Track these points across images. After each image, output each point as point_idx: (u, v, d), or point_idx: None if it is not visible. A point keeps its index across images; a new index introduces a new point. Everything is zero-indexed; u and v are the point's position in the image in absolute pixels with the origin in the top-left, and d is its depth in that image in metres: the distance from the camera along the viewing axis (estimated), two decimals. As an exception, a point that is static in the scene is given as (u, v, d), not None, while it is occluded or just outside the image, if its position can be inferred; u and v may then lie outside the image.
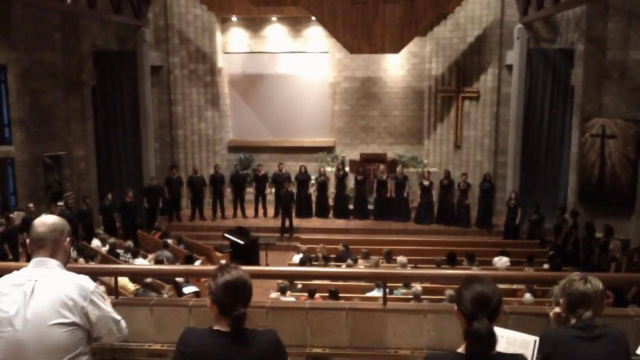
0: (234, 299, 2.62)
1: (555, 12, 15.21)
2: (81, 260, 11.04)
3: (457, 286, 2.75)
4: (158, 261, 11.87)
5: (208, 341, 2.67)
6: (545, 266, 12.27)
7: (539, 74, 16.68)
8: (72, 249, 3.88)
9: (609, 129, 14.47)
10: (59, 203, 14.83)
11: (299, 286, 10.74)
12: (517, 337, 3.03)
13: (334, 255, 13.05)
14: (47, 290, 2.89)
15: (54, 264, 3.00)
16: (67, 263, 3.13)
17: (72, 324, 2.88)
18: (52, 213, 12.61)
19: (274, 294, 9.27)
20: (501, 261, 12.22)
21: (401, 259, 11.42)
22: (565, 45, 16.07)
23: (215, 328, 2.69)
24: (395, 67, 19.87)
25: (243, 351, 2.64)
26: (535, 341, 2.97)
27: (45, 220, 3.08)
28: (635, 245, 13.15)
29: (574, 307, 2.91)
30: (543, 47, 16.69)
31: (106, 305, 3.08)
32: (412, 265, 11.62)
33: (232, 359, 2.63)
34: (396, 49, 17.11)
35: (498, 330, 2.65)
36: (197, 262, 12.30)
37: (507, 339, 2.99)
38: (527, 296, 9.67)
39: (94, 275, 3.86)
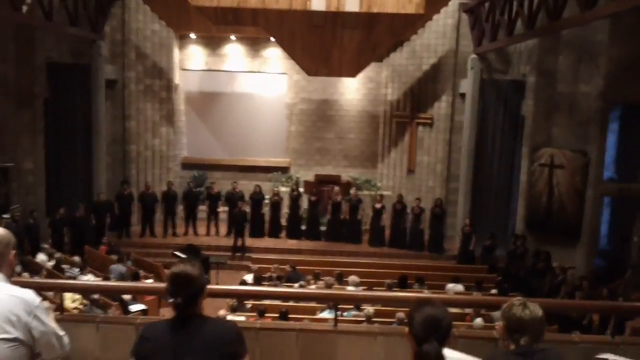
0: (176, 289, 2.80)
1: (508, 44, 15.64)
2: (25, 274, 10.71)
3: (407, 309, 2.77)
4: (106, 277, 11.62)
5: (165, 326, 2.85)
6: (494, 291, 12.45)
7: (491, 104, 17.06)
8: (16, 263, 3.78)
9: (557, 159, 14.85)
10: (5, 215, 14.37)
11: (249, 306, 10.65)
12: None
13: (284, 275, 12.99)
14: (-9, 302, 2.80)
15: (-3, 276, 2.91)
16: (11, 276, 3.05)
17: (15, 339, 2.81)
18: (-5, 225, 12.31)
19: (222, 312, 9.15)
20: (455, 288, 12.33)
21: (353, 278, 11.46)
22: (517, 76, 16.50)
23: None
24: (351, 91, 20.09)
25: (195, 332, 2.79)
26: None
27: (-10, 232, 2.99)
28: (580, 274, 13.47)
29: (511, 332, 2.92)
30: (496, 77, 17.10)
31: (50, 320, 3.00)
32: (364, 287, 11.67)
33: (184, 339, 2.77)
34: (353, 73, 17.31)
35: (447, 352, 2.67)
36: (149, 281, 12.07)
37: None
38: (478, 320, 9.80)
39: (39, 290, 3.75)
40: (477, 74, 16.94)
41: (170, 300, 2.80)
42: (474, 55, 16.99)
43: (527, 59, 15.86)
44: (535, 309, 2.94)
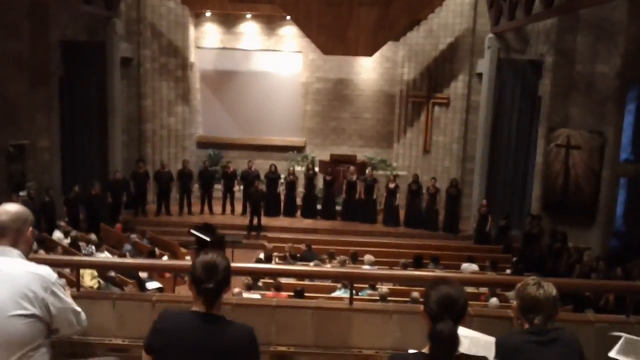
0: (206, 275, 2.72)
1: (526, 24, 15.44)
2: (42, 251, 10.82)
3: (422, 288, 2.77)
4: (122, 255, 11.73)
5: (183, 319, 2.77)
6: (508, 272, 12.43)
7: (508, 83, 16.90)
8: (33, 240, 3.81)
9: (574, 140, 14.72)
10: (21, 193, 14.50)
11: (260, 284, 10.67)
12: (480, 339, 3.06)
13: (299, 255, 13.04)
14: (7, 280, 2.81)
15: (15, 253, 2.93)
16: (28, 253, 3.06)
17: (32, 315, 2.81)
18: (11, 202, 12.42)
19: (237, 289, 9.22)
20: (470, 268, 12.32)
21: (368, 257, 11.47)
22: (534, 56, 16.32)
23: (193, 309, 2.78)
24: (367, 71, 19.95)
25: (215, 333, 2.72)
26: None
27: (8, 209, 3.01)
28: (596, 255, 13.41)
29: (526, 312, 2.93)
30: (513, 57, 16.91)
31: (67, 296, 3.02)
32: (379, 267, 11.68)
33: (204, 339, 2.71)
34: (369, 52, 17.19)
35: (462, 330, 2.67)
36: (164, 258, 12.16)
37: (470, 339, 3.01)
38: (493, 300, 9.79)
39: (56, 266, 3.78)
40: (495, 54, 16.75)
41: (203, 286, 2.73)
42: (491, 35, 16.79)
43: (545, 38, 15.66)
44: (549, 288, 2.94)
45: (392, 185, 17.28)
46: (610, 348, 3.64)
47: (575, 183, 14.80)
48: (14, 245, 2.94)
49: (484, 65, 17.18)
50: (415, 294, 8.94)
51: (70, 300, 3.04)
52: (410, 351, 2.77)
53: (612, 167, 14.24)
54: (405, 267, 11.92)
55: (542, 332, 2.87)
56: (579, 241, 13.77)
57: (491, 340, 3.01)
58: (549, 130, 15.23)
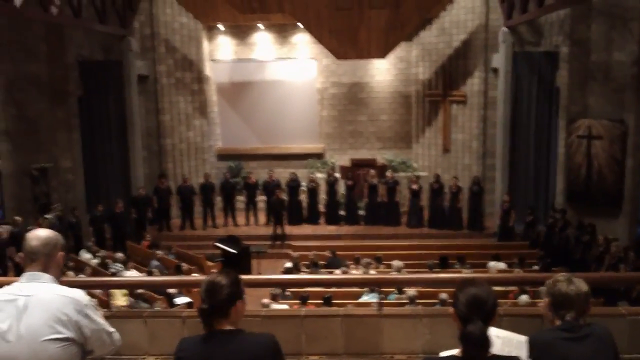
0: (205, 296, 2.76)
1: (539, 15, 15.32)
2: (70, 273, 10.95)
3: (451, 289, 2.77)
4: (149, 272, 11.82)
5: (194, 341, 2.78)
6: (536, 268, 12.32)
7: (525, 77, 16.77)
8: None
9: (595, 130, 14.56)
10: (47, 215, 14.70)
11: (287, 293, 10.68)
12: (512, 338, 3.05)
13: (323, 262, 13.03)
14: (40, 305, 2.85)
15: (46, 278, 2.97)
16: (59, 277, 3.11)
17: (66, 339, 2.85)
18: (39, 225, 12.59)
19: (266, 300, 9.25)
20: (497, 266, 12.21)
21: (396, 263, 11.43)
22: (549, 47, 16.19)
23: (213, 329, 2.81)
24: (382, 72, 19.93)
25: (223, 351, 2.71)
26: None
27: (39, 234, 3.05)
28: (624, 245, 13.24)
29: (557, 308, 2.92)
30: (528, 50, 16.79)
31: (99, 318, 3.06)
32: (406, 270, 11.64)
33: (211, 358, 2.71)
34: (382, 54, 17.18)
35: (494, 331, 2.66)
36: (194, 274, 12.21)
37: (503, 339, 3.00)
38: (523, 297, 9.71)
39: (86, 288, 3.83)
40: (509, 48, 16.63)
41: (198, 307, 2.77)
42: (504, 29, 16.67)
43: (559, 29, 15.53)
44: (580, 284, 2.93)
45: (414, 187, 17.23)
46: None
47: (599, 173, 14.63)
48: (45, 270, 2.99)
49: (499, 59, 17.06)
50: (444, 295, 8.90)
51: (103, 321, 3.07)
52: (443, 354, 2.77)
53: (635, 155, 14.06)
54: (431, 268, 11.90)
55: (575, 328, 2.85)
56: (605, 232, 13.60)
57: (523, 339, 3.00)
58: (569, 122, 15.09)
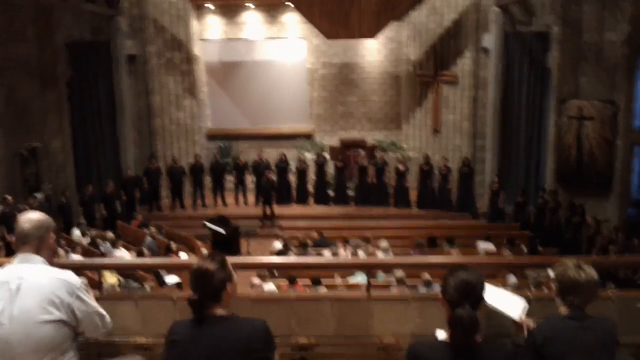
0: (193, 285, 2.76)
1: (530, -5, 15.29)
2: (61, 251, 10.94)
3: (435, 271, 2.81)
4: (140, 251, 11.83)
5: (189, 326, 2.77)
6: (525, 249, 12.39)
7: (516, 57, 16.73)
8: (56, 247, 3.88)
9: (586, 111, 14.59)
10: (37, 195, 14.63)
11: (276, 273, 10.69)
12: (510, 299, 3.14)
13: (312, 242, 13.04)
14: (33, 287, 2.89)
15: (38, 260, 3.01)
16: (52, 259, 3.13)
17: (59, 320, 2.89)
18: (29, 205, 12.56)
19: (257, 280, 9.29)
20: (486, 246, 12.27)
21: (383, 243, 11.48)
22: (541, 28, 16.12)
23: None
24: (372, 53, 19.86)
25: (215, 335, 2.71)
26: (525, 307, 3.13)
27: (31, 217, 3.09)
28: (614, 224, 13.36)
29: (565, 294, 2.94)
30: (519, 30, 16.73)
31: (91, 300, 3.09)
32: (393, 250, 11.70)
33: (200, 343, 2.71)
34: (373, 34, 17.11)
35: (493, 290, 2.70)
36: (183, 255, 12.23)
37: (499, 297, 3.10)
38: (512, 279, 9.77)
39: (78, 269, 3.84)
40: (500, 28, 16.60)
41: (188, 298, 2.75)
42: (495, 8, 16.63)
43: (550, 9, 15.48)
44: (590, 271, 2.94)
45: (401, 167, 17.25)
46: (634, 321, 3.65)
47: (590, 154, 14.68)
48: (37, 252, 3.03)
49: (490, 40, 17.02)
50: (427, 276, 9.02)
51: (94, 303, 3.11)
52: (439, 332, 2.81)
53: (626, 136, 14.12)
54: (418, 246, 11.93)
55: (581, 317, 2.89)
56: (596, 212, 13.71)
57: (520, 300, 3.09)
58: (560, 102, 15.09)
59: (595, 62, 14.52)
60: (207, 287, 2.74)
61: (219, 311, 2.76)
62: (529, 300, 3.30)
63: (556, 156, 15.40)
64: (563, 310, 2.95)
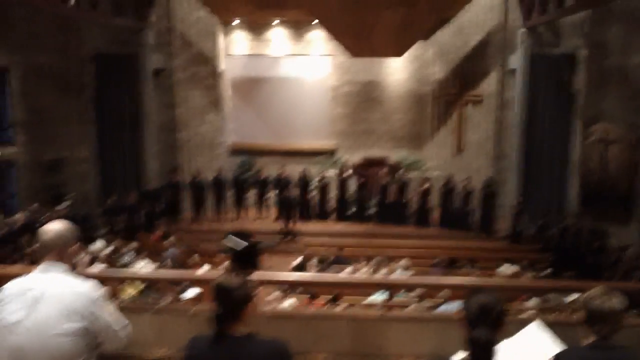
0: (216, 300, 2.75)
1: (558, 17, 15.20)
2: (84, 262, 10.99)
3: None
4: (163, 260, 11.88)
5: (207, 343, 2.75)
6: (548, 271, 12.21)
7: (542, 79, 16.63)
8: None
9: (610, 134, 14.44)
10: (61, 204, 14.80)
11: (299, 290, 10.66)
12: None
13: (332, 258, 12.98)
14: (52, 298, 2.90)
15: (60, 269, 3.02)
16: (74, 267, 3.14)
17: (78, 331, 2.89)
18: (53, 214, 12.70)
19: (277, 293, 9.28)
20: (509, 269, 12.09)
21: (403, 262, 11.39)
22: (568, 49, 16.04)
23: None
24: (397, 71, 19.85)
25: (234, 355, 2.70)
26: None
27: (53, 226, 3.11)
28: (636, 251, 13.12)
29: (592, 323, 2.90)
30: (546, 51, 16.65)
31: (110, 312, 3.08)
32: (414, 270, 11.60)
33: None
34: (398, 53, 17.09)
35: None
36: (204, 267, 12.23)
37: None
38: (534, 301, 9.60)
39: (100, 280, 3.85)
40: (527, 49, 16.52)
41: (210, 314, 2.74)
42: (523, 29, 16.56)
43: (578, 31, 15.39)
44: (617, 301, 2.89)
45: (423, 187, 17.17)
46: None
47: (614, 178, 14.51)
48: (59, 261, 3.04)
49: (516, 60, 16.96)
50: (446, 292, 8.90)
51: (114, 314, 3.11)
52: (454, 357, 2.78)
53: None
54: (438, 266, 11.80)
55: (607, 347, 2.84)
56: (619, 237, 13.50)
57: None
58: (585, 125, 14.97)
59: (621, 86, 14.41)
60: (228, 304, 2.73)
61: (239, 329, 2.75)
62: (549, 324, 3.25)
63: (581, 179, 15.23)
64: (589, 338, 2.90)
